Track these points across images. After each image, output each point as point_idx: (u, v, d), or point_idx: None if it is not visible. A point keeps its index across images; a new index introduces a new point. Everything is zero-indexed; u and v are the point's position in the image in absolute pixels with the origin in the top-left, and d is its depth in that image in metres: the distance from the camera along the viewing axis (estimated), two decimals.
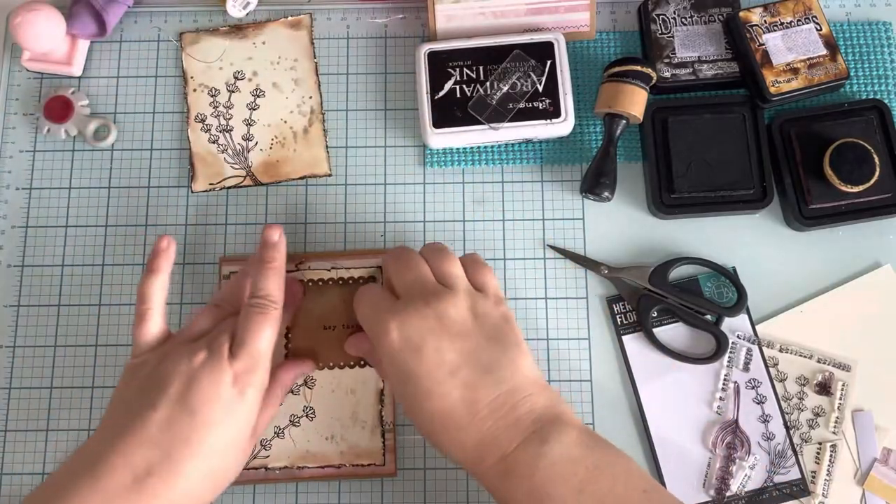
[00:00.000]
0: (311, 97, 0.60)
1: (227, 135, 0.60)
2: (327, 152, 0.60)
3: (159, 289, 0.48)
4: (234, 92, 0.60)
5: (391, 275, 0.49)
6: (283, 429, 0.54)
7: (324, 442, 0.54)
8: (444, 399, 0.44)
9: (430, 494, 0.54)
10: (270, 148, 0.59)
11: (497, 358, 0.45)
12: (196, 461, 0.43)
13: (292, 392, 0.54)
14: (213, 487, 0.45)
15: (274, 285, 0.48)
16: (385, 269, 0.49)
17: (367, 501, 0.54)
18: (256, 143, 0.59)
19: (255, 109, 0.60)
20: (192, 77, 0.61)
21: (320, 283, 0.56)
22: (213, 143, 0.60)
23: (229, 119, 0.60)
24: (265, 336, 0.46)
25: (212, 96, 0.60)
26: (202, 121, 0.60)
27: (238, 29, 0.62)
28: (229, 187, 0.59)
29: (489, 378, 0.44)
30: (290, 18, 0.62)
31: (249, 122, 0.60)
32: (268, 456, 0.53)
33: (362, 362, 0.54)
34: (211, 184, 0.59)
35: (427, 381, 0.44)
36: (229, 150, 0.59)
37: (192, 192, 0.59)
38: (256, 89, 0.61)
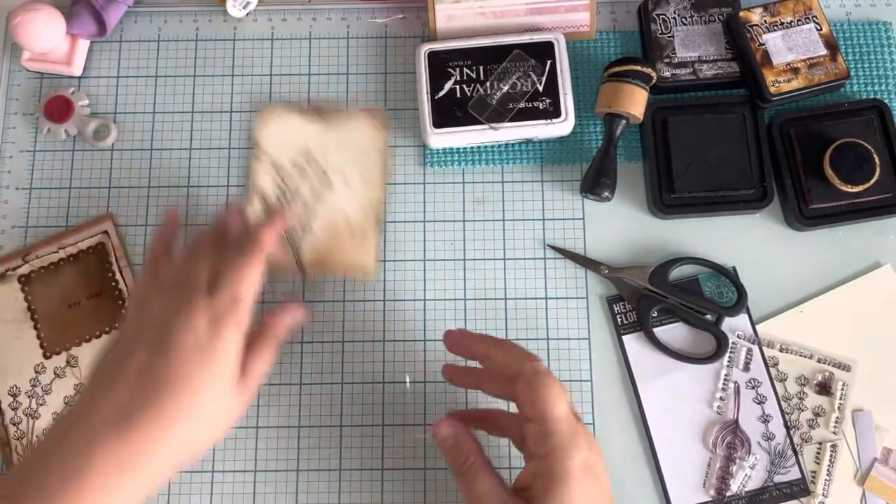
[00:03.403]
0: (375, 197, 0.58)
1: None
2: (375, 254, 0.57)
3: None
4: (299, 173, 0.58)
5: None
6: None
7: None
8: None
9: (430, 494, 0.54)
10: (323, 237, 0.57)
11: None
12: (176, 403, 0.41)
13: None
14: (200, 437, 0.43)
15: (269, 235, 0.49)
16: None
17: (368, 501, 0.54)
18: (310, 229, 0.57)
19: (316, 196, 0.57)
20: (261, 149, 0.58)
21: (52, 267, 0.57)
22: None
23: (290, 199, 0.57)
24: (249, 277, 0.45)
25: (277, 174, 0.58)
26: (263, 197, 0.58)
27: (318, 111, 0.59)
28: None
29: None
30: (367, 108, 0.60)
31: (308, 208, 0.57)
32: None
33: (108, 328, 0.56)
34: None
35: None
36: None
37: None
38: (323, 176, 0.58)
